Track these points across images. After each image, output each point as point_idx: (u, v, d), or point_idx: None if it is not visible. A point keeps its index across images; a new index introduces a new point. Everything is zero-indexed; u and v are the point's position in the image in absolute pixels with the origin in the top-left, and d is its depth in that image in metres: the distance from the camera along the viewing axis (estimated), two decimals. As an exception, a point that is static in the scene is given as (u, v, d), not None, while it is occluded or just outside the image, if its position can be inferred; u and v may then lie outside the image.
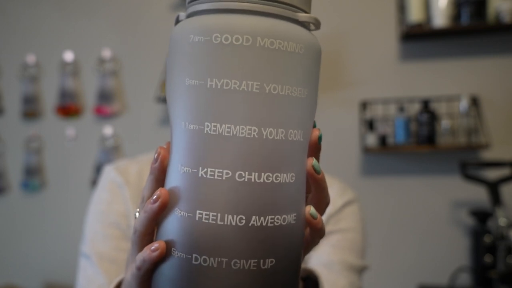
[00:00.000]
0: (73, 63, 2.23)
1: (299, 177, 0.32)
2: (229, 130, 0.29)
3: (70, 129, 2.23)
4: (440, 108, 1.82)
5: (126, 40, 2.18)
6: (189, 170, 0.30)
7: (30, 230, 2.26)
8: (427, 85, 1.86)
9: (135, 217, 0.36)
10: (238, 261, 0.29)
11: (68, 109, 2.20)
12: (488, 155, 1.79)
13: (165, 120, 2.13)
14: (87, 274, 0.61)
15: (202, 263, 0.29)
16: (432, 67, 1.86)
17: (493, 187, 1.58)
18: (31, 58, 2.27)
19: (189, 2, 0.33)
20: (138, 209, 0.36)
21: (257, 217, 0.29)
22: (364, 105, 1.87)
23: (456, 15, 1.75)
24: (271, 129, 0.30)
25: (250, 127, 0.29)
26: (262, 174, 0.30)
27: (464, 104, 1.76)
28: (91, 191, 2.18)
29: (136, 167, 0.70)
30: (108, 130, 2.17)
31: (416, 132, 1.79)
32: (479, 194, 1.80)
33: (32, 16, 2.29)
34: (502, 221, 1.51)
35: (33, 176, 2.24)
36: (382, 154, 1.88)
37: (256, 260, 0.29)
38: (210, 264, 0.29)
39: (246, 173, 0.29)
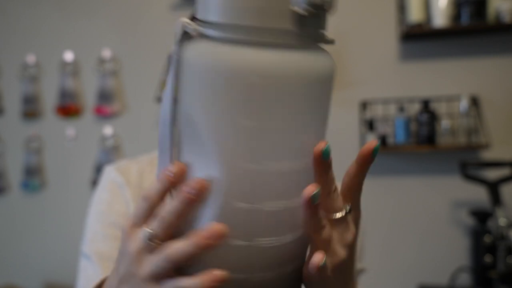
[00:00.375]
0: (73, 63, 2.23)
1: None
2: (281, 165, 0.33)
3: (70, 129, 2.23)
4: (440, 108, 1.82)
5: (126, 40, 2.18)
6: (249, 205, 0.32)
7: (30, 230, 2.26)
8: (427, 85, 1.86)
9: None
10: (284, 270, 0.35)
11: (68, 109, 2.20)
12: (488, 155, 1.79)
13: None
14: (88, 274, 0.61)
15: (258, 279, 0.34)
16: (432, 67, 1.86)
17: (493, 187, 1.58)
18: (31, 58, 2.27)
19: (225, 22, 0.30)
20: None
21: (293, 233, 0.35)
22: (364, 105, 1.87)
23: (456, 15, 1.75)
24: None
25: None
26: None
27: (464, 104, 1.76)
28: (91, 191, 2.18)
29: (137, 167, 0.70)
30: (108, 130, 2.17)
31: (416, 132, 1.79)
32: (479, 194, 1.80)
33: (32, 16, 2.29)
34: (502, 221, 1.51)
35: (33, 176, 2.24)
36: (382, 154, 1.88)
37: (294, 264, 0.36)
38: (266, 278, 0.35)
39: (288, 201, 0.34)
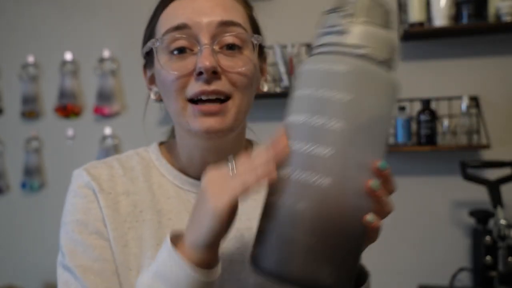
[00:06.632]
0: (73, 63, 2.23)
1: None
2: None
3: (69, 129, 2.23)
4: (441, 108, 1.81)
5: (125, 40, 2.18)
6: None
7: (30, 230, 2.26)
8: (427, 85, 1.85)
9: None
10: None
11: (68, 109, 2.20)
12: (488, 155, 1.79)
13: (165, 120, 2.13)
14: None
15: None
16: (433, 67, 1.85)
17: (494, 187, 1.58)
18: (31, 58, 2.27)
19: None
20: None
21: None
22: (364, 105, 1.87)
23: (456, 15, 1.74)
24: None
25: None
26: None
27: (464, 104, 1.75)
28: (91, 191, 2.18)
29: (108, 171, 0.67)
30: (107, 130, 2.17)
31: (416, 132, 1.79)
32: (479, 194, 1.79)
33: (32, 16, 2.29)
34: (502, 221, 1.50)
35: (32, 176, 2.23)
36: (382, 154, 1.88)
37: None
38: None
39: None
